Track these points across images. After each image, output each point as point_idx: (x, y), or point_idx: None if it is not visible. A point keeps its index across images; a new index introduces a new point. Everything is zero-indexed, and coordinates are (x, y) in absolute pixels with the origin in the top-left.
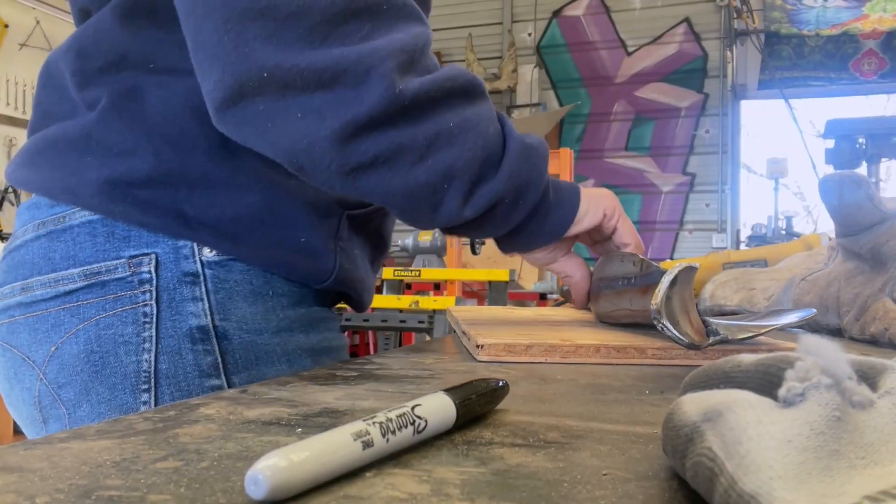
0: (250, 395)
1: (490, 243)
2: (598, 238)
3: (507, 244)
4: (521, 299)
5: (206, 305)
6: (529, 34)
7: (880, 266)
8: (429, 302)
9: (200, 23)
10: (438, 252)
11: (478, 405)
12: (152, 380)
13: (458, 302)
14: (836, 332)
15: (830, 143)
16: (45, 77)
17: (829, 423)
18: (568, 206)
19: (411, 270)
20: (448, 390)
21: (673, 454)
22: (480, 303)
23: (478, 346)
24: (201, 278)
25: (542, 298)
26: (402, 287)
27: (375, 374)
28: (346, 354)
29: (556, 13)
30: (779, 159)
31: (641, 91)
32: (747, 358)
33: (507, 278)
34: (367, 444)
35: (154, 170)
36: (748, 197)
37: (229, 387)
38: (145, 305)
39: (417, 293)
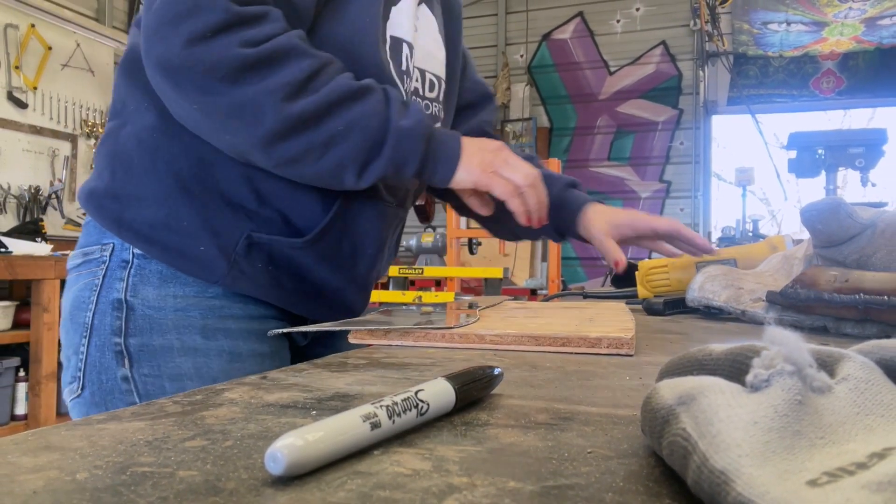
0: (270, 381)
1: (486, 244)
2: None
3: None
4: (514, 294)
5: (125, 285)
6: (521, 55)
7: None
8: (430, 297)
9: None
10: (439, 252)
11: (475, 390)
12: (89, 330)
13: (456, 297)
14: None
15: (793, 154)
16: None
17: (791, 406)
18: (447, 167)
19: (415, 269)
20: (448, 377)
21: (651, 434)
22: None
23: (350, 333)
24: (129, 265)
25: (532, 293)
26: (406, 283)
27: (382, 362)
28: (254, 340)
29: (546, 36)
30: (746, 168)
31: (622, 107)
32: (718, 347)
33: (500, 275)
34: (375, 425)
35: (108, 186)
36: (718, 202)
37: (125, 347)
38: (96, 279)
39: (420, 289)
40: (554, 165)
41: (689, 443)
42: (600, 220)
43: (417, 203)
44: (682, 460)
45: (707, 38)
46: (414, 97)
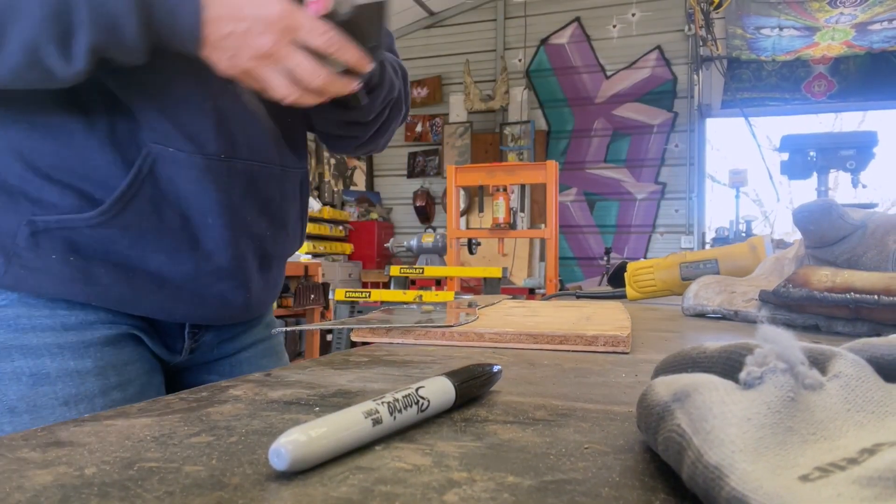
0: (273, 378)
1: (486, 244)
2: None
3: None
4: (513, 293)
5: None
6: (520, 60)
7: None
8: (431, 296)
9: None
10: (440, 252)
11: (475, 387)
12: None
13: (456, 296)
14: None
15: (785, 156)
16: None
17: (784, 403)
18: (186, 19)
19: (415, 268)
20: (448, 374)
21: (646, 430)
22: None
23: (351, 331)
24: None
25: (531, 293)
26: (407, 283)
27: (384, 359)
28: (68, 356)
29: (544, 41)
30: (739, 170)
31: (618, 110)
32: (712, 345)
33: (499, 275)
34: (377, 422)
35: None
36: (713, 203)
37: None
38: None
39: (421, 288)
40: (551, 167)
41: (684, 439)
42: None
43: (418, 204)
44: (677, 456)
45: (701, 43)
46: None
